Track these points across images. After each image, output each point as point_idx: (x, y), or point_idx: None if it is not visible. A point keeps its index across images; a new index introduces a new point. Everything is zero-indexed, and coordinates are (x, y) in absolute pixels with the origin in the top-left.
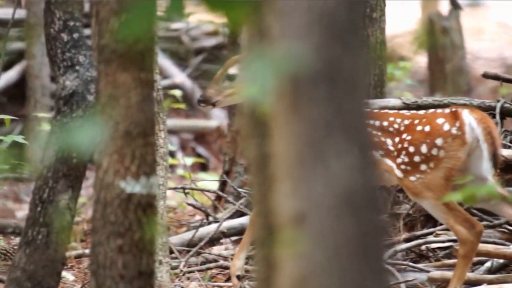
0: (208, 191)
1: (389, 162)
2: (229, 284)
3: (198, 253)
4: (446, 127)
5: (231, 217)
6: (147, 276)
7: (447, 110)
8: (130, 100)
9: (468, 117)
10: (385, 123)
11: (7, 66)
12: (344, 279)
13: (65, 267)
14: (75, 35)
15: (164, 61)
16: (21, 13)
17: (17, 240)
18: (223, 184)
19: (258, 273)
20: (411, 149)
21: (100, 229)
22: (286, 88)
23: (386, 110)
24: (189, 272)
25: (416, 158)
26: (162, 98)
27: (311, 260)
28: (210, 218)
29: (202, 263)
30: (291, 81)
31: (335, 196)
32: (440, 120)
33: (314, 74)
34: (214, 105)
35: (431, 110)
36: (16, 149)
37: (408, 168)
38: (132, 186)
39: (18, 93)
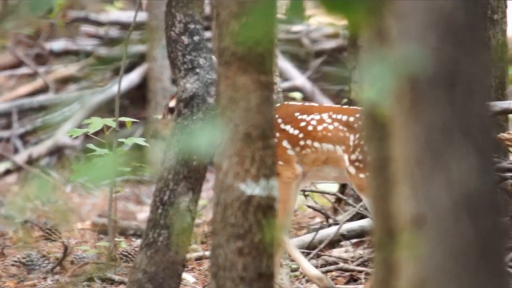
0: (328, 193)
1: (346, 158)
2: (350, 286)
3: (318, 256)
4: None
5: (351, 219)
6: (267, 278)
7: None
8: (249, 102)
9: None
10: (352, 119)
11: (129, 69)
12: (463, 282)
13: (186, 269)
14: (196, 38)
15: (284, 64)
16: (142, 16)
17: (138, 242)
18: (343, 187)
19: (377, 276)
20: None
21: (220, 231)
22: (404, 90)
23: (355, 107)
24: None
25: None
26: (282, 101)
27: (430, 262)
28: (330, 221)
29: (322, 266)
30: (409, 83)
31: (454, 199)
32: None
33: (432, 76)
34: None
35: None
36: (137, 152)
37: (361, 165)
38: (252, 189)
39: (139, 96)
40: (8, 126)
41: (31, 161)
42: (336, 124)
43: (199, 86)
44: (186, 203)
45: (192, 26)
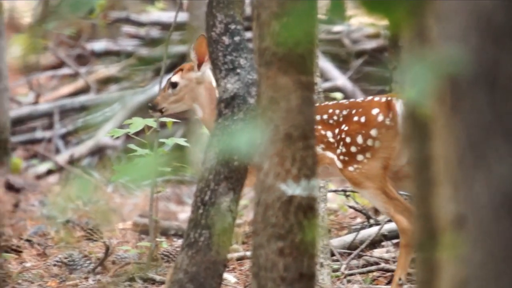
0: None
1: (330, 154)
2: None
3: (359, 256)
4: (380, 118)
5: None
6: (308, 279)
7: (383, 99)
8: (290, 103)
9: (401, 107)
10: (325, 116)
11: (170, 69)
12: (503, 282)
13: (227, 269)
14: (236, 38)
15: (325, 64)
16: (183, 17)
17: (179, 242)
18: None
19: (418, 276)
20: (348, 139)
21: (261, 231)
22: (445, 90)
23: (326, 103)
24: (350, 274)
25: (353, 149)
26: (322, 101)
27: (472, 263)
28: (371, 221)
29: (363, 266)
30: (450, 83)
31: (495, 199)
32: (375, 111)
33: (473, 76)
34: (161, 111)
35: (369, 98)
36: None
37: (346, 158)
38: (293, 189)
39: None
40: (50, 127)
41: (72, 161)
42: None
43: (240, 87)
44: (227, 203)
45: (232, 26)
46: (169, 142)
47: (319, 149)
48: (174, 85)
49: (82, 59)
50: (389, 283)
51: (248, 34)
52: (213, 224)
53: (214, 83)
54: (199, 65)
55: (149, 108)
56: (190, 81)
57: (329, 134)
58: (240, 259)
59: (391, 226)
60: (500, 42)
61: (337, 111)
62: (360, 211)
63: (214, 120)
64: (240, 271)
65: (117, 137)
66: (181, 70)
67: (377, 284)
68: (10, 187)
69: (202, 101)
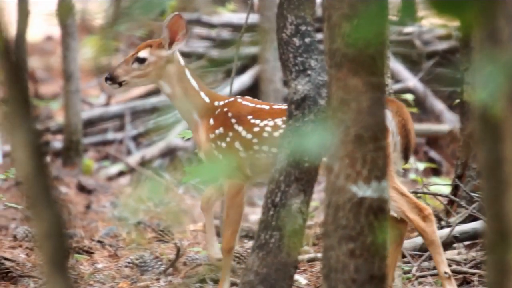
0: (440, 195)
1: None
2: None
3: (430, 258)
4: None
5: (464, 221)
6: (379, 280)
7: None
8: (361, 104)
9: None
10: None
11: (241, 71)
12: None
13: (298, 270)
14: (307, 40)
15: (396, 65)
16: (254, 18)
17: (250, 243)
18: (455, 189)
19: (489, 278)
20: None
21: (332, 233)
22: None
23: None
24: (422, 276)
25: None
26: None
27: None
28: (443, 223)
29: (435, 268)
30: None
31: None
32: None
33: None
34: (120, 84)
35: None
36: None
37: None
38: (364, 190)
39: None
40: (121, 128)
41: (143, 163)
42: None
43: (310, 88)
44: (298, 205)
45: (303, 28)
46: None
47: None
48: (141, 60)
49: None
50: (460, 285)
51: (319, 36)
52: (284, 226)
53: (182, 62)
54: (170, 44)
55: (106, 79)
56: (159, 58)
57: None
58: (311, 260)
59: (463, 228)
60: None
61: None
62: None
63: (184, 98)
64: (311, 273)
65: (188, 139)
66: (150, 46)
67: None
68: (82, 189)
69: (170, 79)
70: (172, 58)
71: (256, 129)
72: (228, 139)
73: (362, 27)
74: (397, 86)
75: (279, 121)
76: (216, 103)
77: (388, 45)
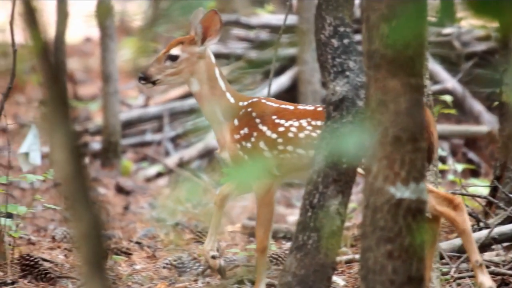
0: (479, 196)
1: None
2: None
3: (468, 259)
4: None
5: (502, 223)
6: (417, 282)
7: None
8: (399, 105)
9: None
10: None
11: (279, 72)
12: None
13: (336, 272)
14: (346, 41)
15: (434, 66)
16: (292, 19)
17: (288, 244)
18: (494, 190)
19: None
20: None
21: (370, 234)
22: None
23: None
24: (460, 278)
25: None
26: (432, 104)
27: None
28: (481, 224)
29: (472, 269)
30: None
31: None
32: None
33: None
34: (154, 83)
35: None
36: None
37: None
38: (402, 192)
39: (290, 99)
40: (159, 129)
41: (182, 164)
42: (318, 131)
43: (348, 89)
44: (336, 206)
45: (342, 29)
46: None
47: None
48: (173, 57)
49: None
50: (499, 286)
51: (357, 37)
52: (322, 227)
53: (213, 60)
54: (203, 40)
55: (140, 79)
56: (191, 54)
57: None
58: (348, 262)
59: (502, 229)
60: None
61: None
62: (469, 214)
63: (211, 97)
64: (349, 274)
65: None
66: (181, 43)
67: None
68: (120, 190)
69: (201, 76)
70: (204, 54)
71: (281, 129)
72: (252, 139)
73: (400, 28)
74: (436, 88)
75: (304, 122)
76: (240, 104)
77: (427, 46)
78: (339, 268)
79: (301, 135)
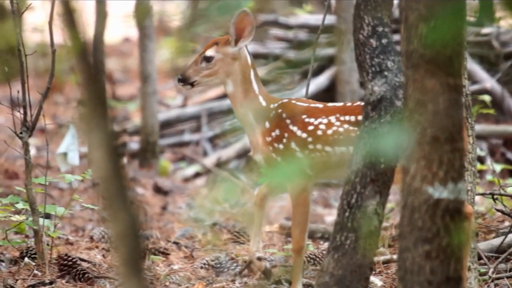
0: None
1: None
2: None
3: (507, 260)
4: None
5: None
6: (455, 282)
7: None
8: (438, 105)
9: None
10: (360, 117)
11: (317, 72)
12: None
13: (373, 272)
14: (384, 41)
15: (473, 66)
16: (331, 19)
17: (325, 245)
18: None
19: None
20: None
21: (408, 234)
22: None
23: (358, 103)
24: (498, 278)
25: None
26: (470, 104)
27: None
28: None
29: (511, 270)
30: None
31: None
32: None
33: None
34: (192, 85)
35: None
36: None
37: None
38: (440, 192)
39: (328, 98)
40: (197, 129)
41: (220, 164)
42: (346, 126)
43: (387, 89)
44: (374, 206)
45: (380, 29)
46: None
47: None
48: (208, 59)
49: None
50: None
51: (396, 37)
52: (359, 227)
53: (249, 61)
54: (237, 41)
55: (179, 81)
56: (226, 55)
57: None
58: (386, 262)
59: None
60: None
61: None
62: (508, 214)
63: (244, 99)
64: (387, 275)
65: None
66: (216, 44)
67: None
68: (158, 190)
69: (235, 77)
70: (239, 55)
71: (311, 127)
72: (284, 140)
73: (439, 28)
74: (474, 87)
75: (332, 119)
76: (271, 106)
77: (465, 46)
78: (377, 268)
79: (329, 131)
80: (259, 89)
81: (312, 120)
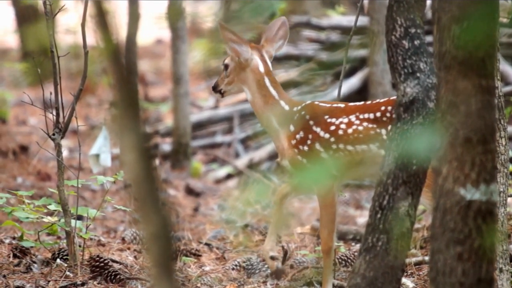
0: None
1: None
2: None
3: None
4: None
5: None
6: (487, 284)
7: None
8: (470, 107)
9: None
10: (378, 114)
11: (350, 73)
12: None
13: (405, 274)
14: (416, 42)
15: (506, 67)
16: (363, 21)
17: (357, 246)
18: None
19: None
20: None
21: (440, 236)
22: None
23: (377, 100)
24: None
25: None
26: (503, 105)
27: None
28: None
29: None
30: None
31: None
32: None
33: None
34: (221, 93)
35: None
36: None
37: None
38: (472, 193)
39: (360, 100)
40: (229, 131)
41: (251, 166)
42: (365, 123)
43: (419, 91)
44: (405, 208)
45: (412, 30)
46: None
47: (374, 147)
48: (226, 67)
49: None
50: None
51: (428, 38)
52: (391, 229)
53: (261, 69)
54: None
55: (212, 89)
56: (236, 64)
57: (383, 131)
58: (418, 264)
59: None
60: None
61: (389, 108)
62: None
63: (264, 106)
64: (418, 276)
65: None
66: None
67: None
68: (190, 191)
69: (250, 85)
70: (247, 64)
71: (332, 127)
72: (308, 141)
73: (471, 29)
74: (507, 89)
75: (352, 118)
76: (294, 109)
77: (498, 47)
78: (409, 270)
79: (350, 130)
80: (279, 94)
81: (333, 120)
